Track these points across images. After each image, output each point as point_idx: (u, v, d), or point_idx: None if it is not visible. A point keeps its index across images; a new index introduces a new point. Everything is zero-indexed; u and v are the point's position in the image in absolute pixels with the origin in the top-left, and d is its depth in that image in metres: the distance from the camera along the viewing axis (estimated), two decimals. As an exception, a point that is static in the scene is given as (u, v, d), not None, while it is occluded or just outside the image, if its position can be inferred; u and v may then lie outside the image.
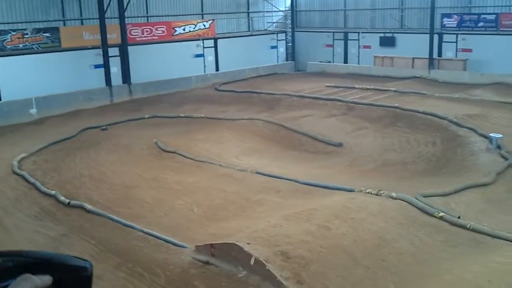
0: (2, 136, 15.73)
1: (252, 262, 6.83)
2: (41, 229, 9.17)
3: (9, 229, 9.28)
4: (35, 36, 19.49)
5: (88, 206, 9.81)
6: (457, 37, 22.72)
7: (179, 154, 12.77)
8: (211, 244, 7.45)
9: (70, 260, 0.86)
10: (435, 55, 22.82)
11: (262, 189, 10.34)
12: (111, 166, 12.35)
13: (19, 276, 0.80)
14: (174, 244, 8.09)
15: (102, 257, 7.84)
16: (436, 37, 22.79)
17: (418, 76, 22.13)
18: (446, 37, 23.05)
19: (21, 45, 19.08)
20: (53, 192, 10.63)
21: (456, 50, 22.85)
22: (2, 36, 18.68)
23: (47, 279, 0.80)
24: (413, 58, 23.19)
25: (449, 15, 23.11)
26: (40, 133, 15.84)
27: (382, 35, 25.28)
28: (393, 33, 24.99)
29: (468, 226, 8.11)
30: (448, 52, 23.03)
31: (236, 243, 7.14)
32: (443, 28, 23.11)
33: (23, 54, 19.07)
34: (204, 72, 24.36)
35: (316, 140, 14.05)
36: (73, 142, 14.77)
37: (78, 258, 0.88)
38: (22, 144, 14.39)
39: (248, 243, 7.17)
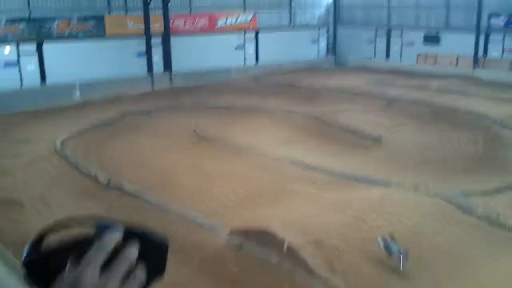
0: (46, 117, 16.18)
1: (285, 248, 6.87)
2: (81, 208, 9.42)
3: (51, 207, 9.57)
4: (81, 24, 19.99)
5: (127, 188, 10.03)
6: (504, 37, 22.09)
7: (218, 142, 12.89)
8: (246, 229, 7.53)
9: (151, 232, 0.88)
10: (480, 55, 22.27)
11: (298, 180, 10.34)
12: (150, 151, 12.57)
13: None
14: (209, 228, 8.20)
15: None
16: (482, 36, 22.23)
17: (462, 75, 21.63)
18: (492, 37, 22.44)
19: (67, 32, 19.61)
20: (93, 172, 10.90)
21: (503, 50, 22.24)
22: (49, 23, 19.22)
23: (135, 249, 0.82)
24: (458, 57, 22.69)
25: (496, 15, 22.47)
26: (82, 116, 16.21)
27: (426, 32, 24.80)
28: (437, 31, 24.49)
29: (507, 226, 7.94)
30: (494, 52, 22.43)
31: (270, 229, 7.20)
32: (489, 28, 22.51)
33: (69, 41, 19.60)
34: (244, 64, 24.47)
35: (354, 134, 13.94)
36: (114, 126, 15.08)
37: (156, 231, 0.89)
38: (65, 126, 14.78)
39: (282, 230, 7.22)
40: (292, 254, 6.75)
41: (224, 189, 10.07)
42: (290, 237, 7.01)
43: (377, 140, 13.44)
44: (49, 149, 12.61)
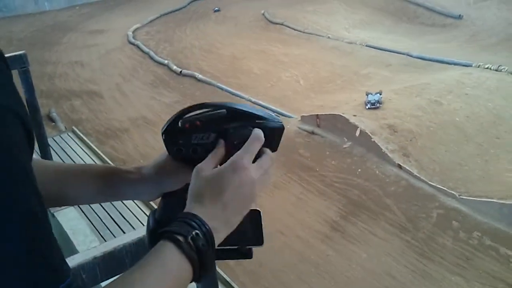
0: (116, 7, 16.31)
1: (357, 133, 6.81)
2: (156, 96, 9.70)
3: (128, 95, 9.93)
4: None
5: (199, 76, 10.14)
6: None
7: (287, 26, 12.55)
8: (317, 114, 7.48)
9: (271, 118, 0.98)
10: None
11: (371, 63, 9.99)
12: (219, 38, 12.48)
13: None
14: (280, 114, 8.23)
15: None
16: None
17: None
18: None
19: None
20: (166, 61, 11.06)
21: None
22: None
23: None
24: None
25: None
26: (151, 4, 16.19)
27: None
28: None
29: None
30: None
31: (342, 114, 7.11)
32: None
33: None
34: None
35: (433, 11, 13.07)
36: (183, 13, 15.00)
37: (273, 114, 1.01)
38: (136, 15, 14.88)
39: (354, 115, 7.11)
40: (364, 139, 6.69)
41: (294, 74, 9.96)
42: (363, 122, 6.91)
43: (458, 18, 12.55)
44: (121, 39, 12.83)
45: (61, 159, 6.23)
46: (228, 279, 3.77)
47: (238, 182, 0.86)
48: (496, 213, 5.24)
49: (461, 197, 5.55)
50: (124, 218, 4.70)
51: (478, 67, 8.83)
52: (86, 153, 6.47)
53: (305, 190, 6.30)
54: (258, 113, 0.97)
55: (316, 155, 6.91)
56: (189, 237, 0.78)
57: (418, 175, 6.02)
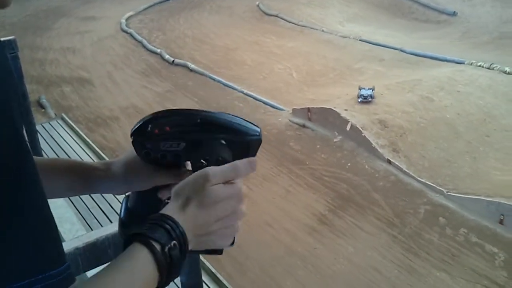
0: (110, -6, 16.16)
1: (348, 128, 6.82)
2: (148, 85, 9.65)
3: (119, 84, 9.87)
4: None
5: (191, 66, 10.10)
6: None
7: (281, 18, 12.51)
8: (308, 108, 7.48)
9: (246, 129, 0.98)
10: None
11: (364, 57, 9.99)
12: (213, 28, 12.43)
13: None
14: (272, 106, 8.23)
15: (204, 114, 8.16)
16: None
17: None
18: None
19: None
20: (158, 50, 11.00)
21: None
22: None
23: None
24: None
25: None
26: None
27: None
28: None
29: None
30: None
31: (334, 108, 7.11)
32: None
33: None
34: None
35: (428, 8, 13.07)
36: (177, 2, 14.89)
37: (251, 123, 1.00)
38: (129, 3, 14.77)
39: (346, 109, 7.12)
40: (355, 133, 6.70)
41: (287, 66, 9.94)
42: (354, 116, 6.92)
43: (452, 14, 12.56)
44: (114, 27, 12.74)
45: (50, 147, 6.18)
46: (213, 270, 3.77)
47: (226, 209, 0.86)
48: (483, 210, 5.27)
49: (448, 193, 5.58)
50: (112, 208, 4.68)
51: (471, 64, 8.85)
52: (75, 140, 6.43)
53: (294, 183, 6.31)
54: (233, 126, 0.95)
55: (307, 149, 6.92)
56: (167, 247, 0.76)
57: (407, 170, 6.04)
